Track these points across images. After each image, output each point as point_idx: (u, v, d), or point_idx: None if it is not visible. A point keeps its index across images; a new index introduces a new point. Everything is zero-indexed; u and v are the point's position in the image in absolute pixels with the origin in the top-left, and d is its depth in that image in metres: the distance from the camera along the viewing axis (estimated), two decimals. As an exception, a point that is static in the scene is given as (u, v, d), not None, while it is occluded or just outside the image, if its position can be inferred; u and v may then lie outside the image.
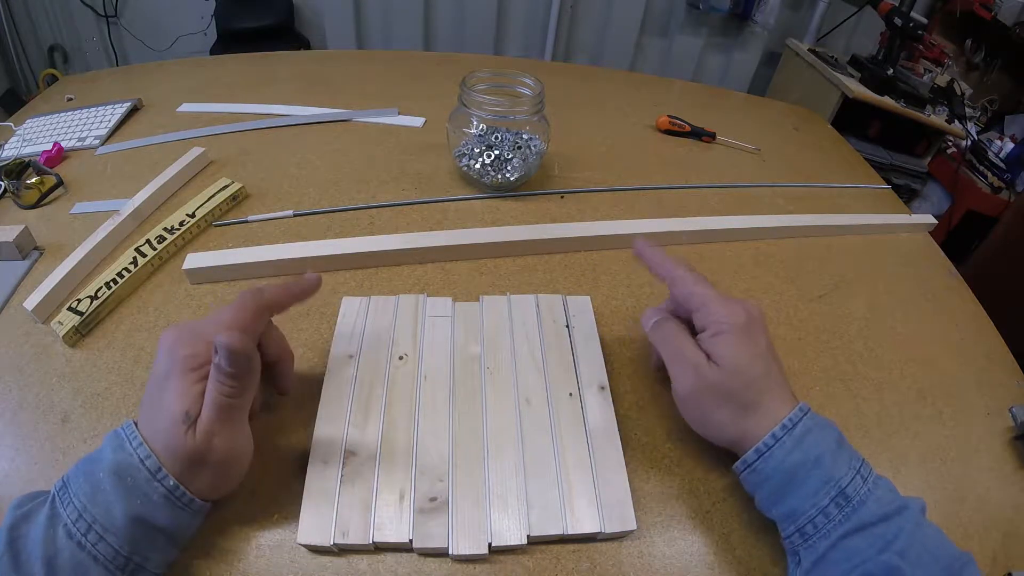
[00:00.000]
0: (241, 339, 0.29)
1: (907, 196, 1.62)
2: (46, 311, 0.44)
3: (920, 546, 0.28)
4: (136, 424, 0.29)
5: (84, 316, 0.42)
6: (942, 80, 1.67)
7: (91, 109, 0.72)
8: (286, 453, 0.36)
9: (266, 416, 0.38)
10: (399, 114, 0.75)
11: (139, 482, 0.27)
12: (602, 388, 0.40)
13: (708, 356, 0.34)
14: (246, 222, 0.55)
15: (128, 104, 0.72)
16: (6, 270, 0.48)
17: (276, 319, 0.44)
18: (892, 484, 0.31)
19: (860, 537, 0.28)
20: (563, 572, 0.32)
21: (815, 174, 0.76)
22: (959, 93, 1.62)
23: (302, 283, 0.36)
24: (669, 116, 0.79)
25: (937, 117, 1.53)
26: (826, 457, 0.30)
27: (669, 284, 0.38)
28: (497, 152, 0.59)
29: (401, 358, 0.40)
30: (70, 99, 0.78)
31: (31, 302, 0.44)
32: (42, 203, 0.57)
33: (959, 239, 1.56)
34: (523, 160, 0.59)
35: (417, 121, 0.74)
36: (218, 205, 0.54)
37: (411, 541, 0.31)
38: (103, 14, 1.80)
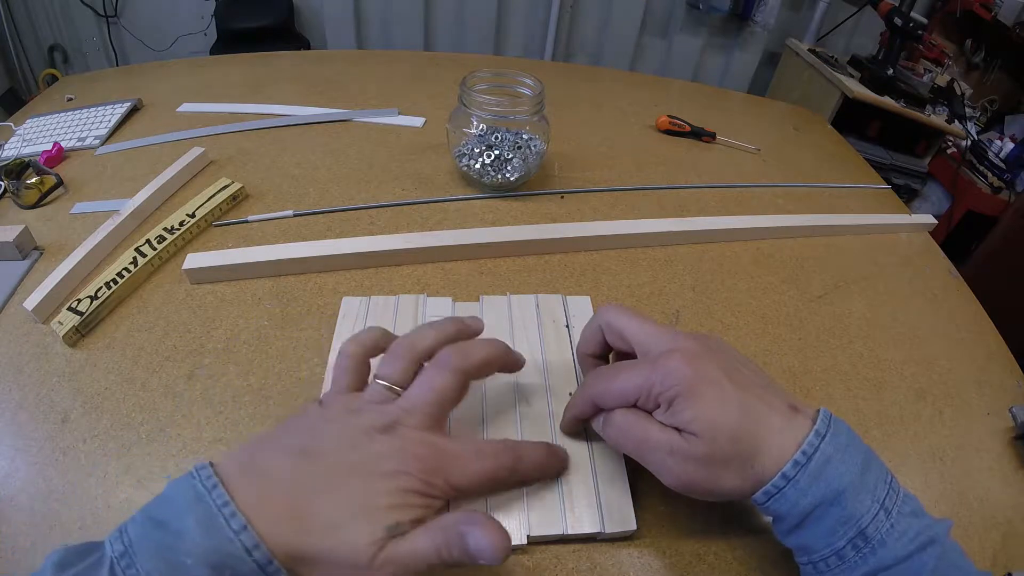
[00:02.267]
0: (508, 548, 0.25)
1: (907, 196, 1.62)
2: (46, 311, 0.44)
3: None
4: (224, 480, 0.24)
5: (84, 316, 0.42)
6: (942, 80, 1.67)
7: (91, 109, 0.72)
8: (286, 453, 0.36)
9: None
10: (399, 114, 0.75)
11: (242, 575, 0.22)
12: (602, 388, 0.40)
13: (679, 430, 0.28)
14: (246, 222, 0.55)
15: (128, 104, 0.72)
16: (6, 270, 0.48)
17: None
18: (918, 504, 0.28)
19: None
20: (563, 572, 0.32)
21: (815, 174, 0.75)
22: (959, 93, 1.62)
23: (554, 465, 0.33)
24: (669, 116, 0.79)
25: (937, 117, 1.54)
26: (848, 492, 0.26)
27: (597, 401, 0.32)
28: (497, 152, 0.59)
29: (401, 358, 0.40)
30: (70, 99, 0.78)
31: (31, 302, 0.44)
32: (42, 203, 0.57)
33: (959, 239, 1.56)
34: (523, 160, 0.59)
35: (417, 121, 0.74)
36: (218, 205, 0.54)
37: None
38: (103, 14, 1.80)
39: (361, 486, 0.25)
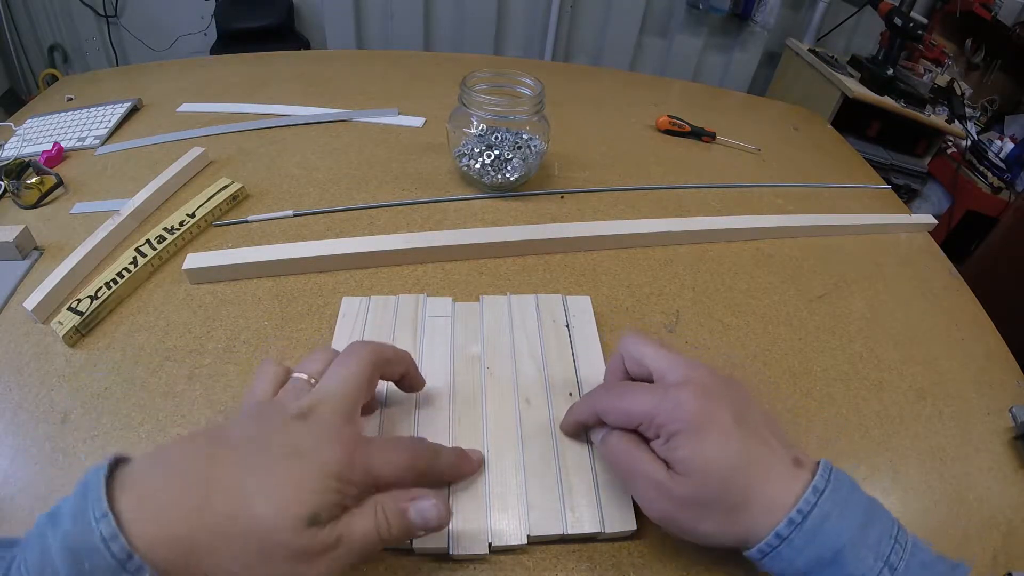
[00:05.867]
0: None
1: (907, 196, 1.62)
2: (46, 311, 0.44)
3: None
4: (121, 470, 0.23)
5: (84, 316, 0.42)
6: (942, 80, 1.67)
7: (91, 109, 0.72)
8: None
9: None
10: (399, 114, 0.75)
11: (100, 571, 0.20)
12: (602, 388, 0.40)
13: (669, 465, 0.28)
14: (246, 222, 0.55)
15: (128, 104, 0.72)
16: (6, 270, 0.48)
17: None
18: (930, 554, 0.27)
19: None
20: (563, 572, 0.32)
21: (815, 174, 0.75)
22: (959, 93, 1.62)
23: (468, 467, 0.33)
24: (669, 116, 0.79)
25: (937, 117, 1.54)
26: (847, 551, 0.25)
27: (601, 416, 0.32)
28: (497, 152, 0.59)
29: (401, 358, 0.40)
30: (70, 99, 0.78)
31: (31, 302, 0.44)
32: (42, 203, 0.57)
33: (959, 239, 1.56)
34: (523, 160, 0.59)
35: (417, 121, 0.74)
36: (218, 205, 0.54)
37: (411, 541, 0.31)
38: (103, 14, 1.80)
39: (276, 467, 0.24)
